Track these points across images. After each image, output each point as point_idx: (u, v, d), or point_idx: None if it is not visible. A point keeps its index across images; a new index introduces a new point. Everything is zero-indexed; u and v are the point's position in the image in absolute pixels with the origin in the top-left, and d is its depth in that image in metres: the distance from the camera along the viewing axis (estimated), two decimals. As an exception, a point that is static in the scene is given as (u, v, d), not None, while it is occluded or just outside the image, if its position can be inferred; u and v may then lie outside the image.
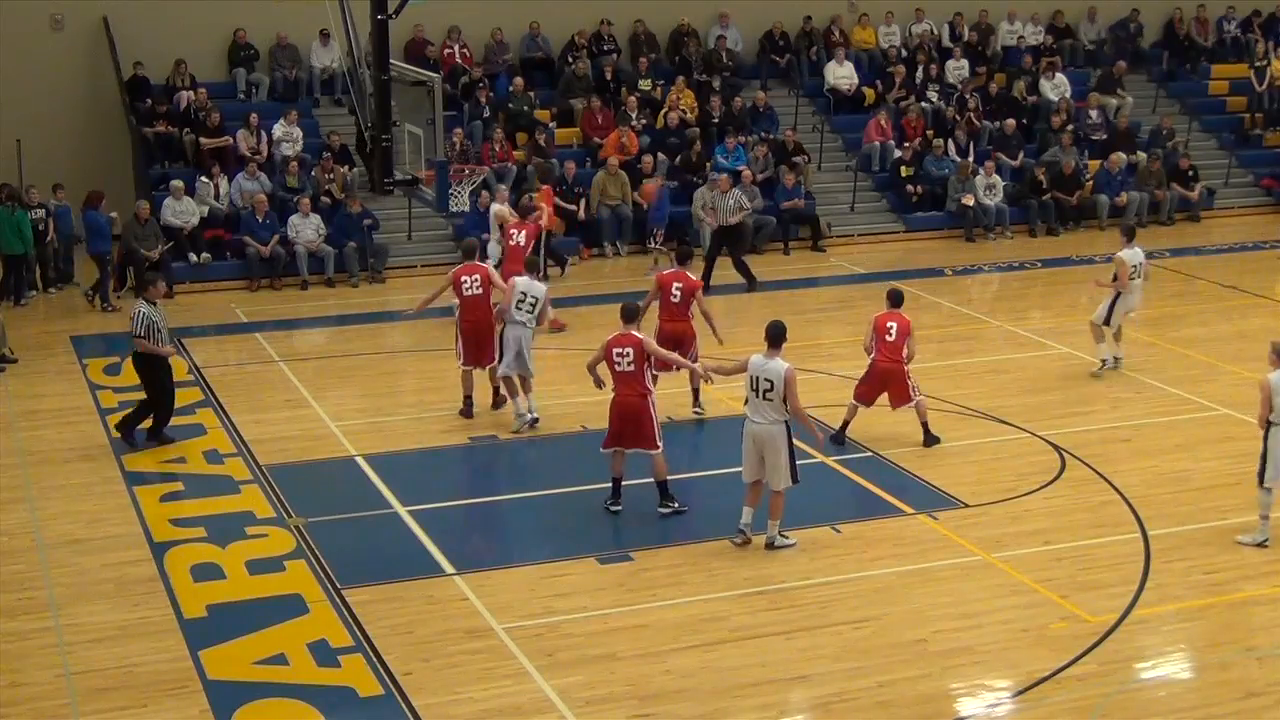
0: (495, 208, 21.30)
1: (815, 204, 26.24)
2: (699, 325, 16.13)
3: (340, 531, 13.63)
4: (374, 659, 11.14)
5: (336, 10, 18.23)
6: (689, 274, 16.23)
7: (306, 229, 23.20)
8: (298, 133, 25.01)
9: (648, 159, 25.40)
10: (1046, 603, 12.06)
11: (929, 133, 27.67)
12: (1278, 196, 28.94)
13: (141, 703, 10.55)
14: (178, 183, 23.21)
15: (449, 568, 12.76)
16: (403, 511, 14.01)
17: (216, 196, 23.75)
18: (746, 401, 13.02)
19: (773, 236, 25.21)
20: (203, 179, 23.78)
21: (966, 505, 14.10)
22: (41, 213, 22.28)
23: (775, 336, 12.89)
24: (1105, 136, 28.46)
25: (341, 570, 12.64)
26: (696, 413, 16.41)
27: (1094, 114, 28.78)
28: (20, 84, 24.97)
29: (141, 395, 15.91)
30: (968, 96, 28.18)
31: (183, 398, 17.16)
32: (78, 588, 12.43)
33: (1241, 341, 19.83)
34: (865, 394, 15.62)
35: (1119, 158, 27.57)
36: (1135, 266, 17.84)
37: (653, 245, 24.43)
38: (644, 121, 26.61)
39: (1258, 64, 30.50)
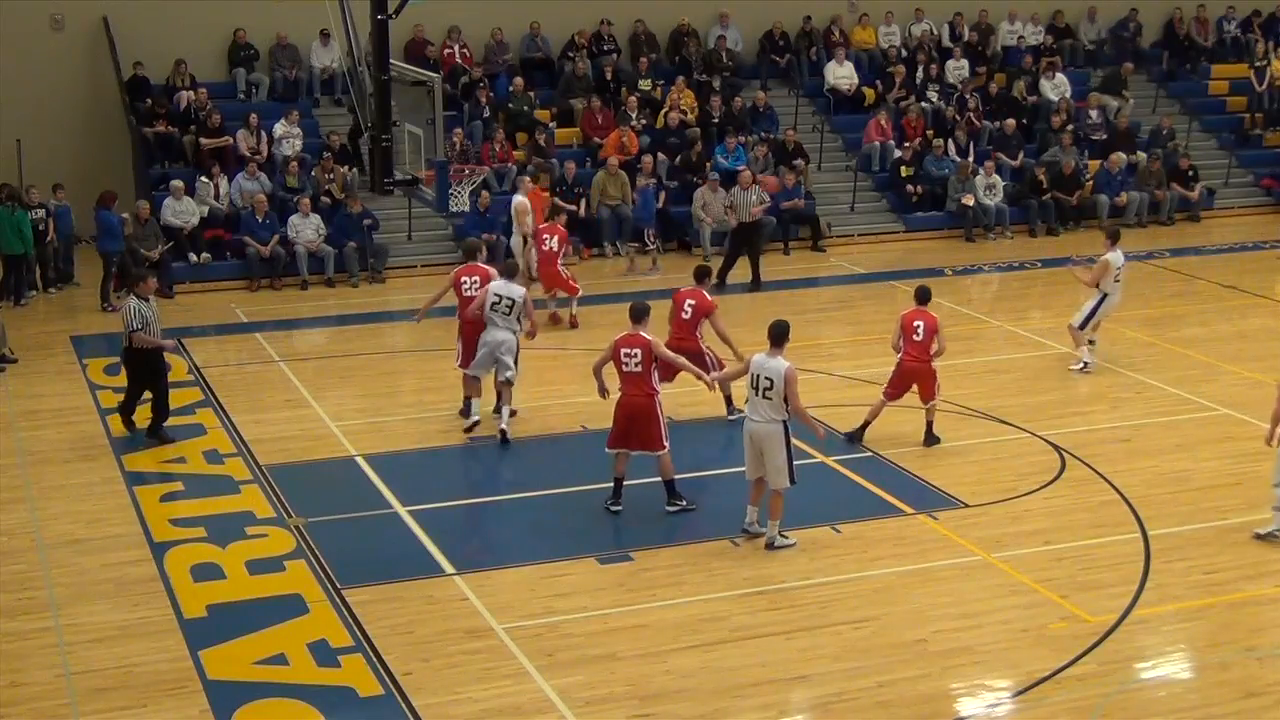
0: (517, 199, 21.23)
1: (815, 204, 26.25)
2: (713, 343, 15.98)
3: (340, 531, 13.62)
4: (374, 659, 11.14)
5: (336, 10, 18.22)
6: (705, 294, 15.92)
7: (306, 229, 23.20)
8: (298, 132, 25.03)
9: (648, 159, 25.40)
10: (1046, 603, 12.06)
11: (929, 133, 27.68)
12: (1278, 196, 28.94)
13: (141, 703, 10.55)
14: (178, 183, 23.21)
15: (449, 568, 12.76)
16: (403, 511, 14.01)
17: (216, 196, 23.76)
18: (747, 400, 13.03)
19: (773, 236, 25.19)
20: (203, 179, 23.79)
21: (966, 505, 14.10)
22: (41, 213, 22.29)
23: (778, 336, 12.95)
24: (1105, 136, 28.47)
25: (341, 570, 12.64)
26: (730, 419, 16.16)
27: (1094, 114, 28.79)
28: (20, 84, 24.98)
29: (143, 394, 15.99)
30: (968, 96, 28.19)
31: (183, 398, 17.19)
32: (78, 588, 12.43)
33: (1241, 341, 19.85)
34: (892, 393, 15.61)
35: (1119, 158, 27.58)
36: (1119, 269, 18.11)
37: (650, 245, 24.45)
38: (644, 121, 26.61)
39: (1258, 64, 30.51)
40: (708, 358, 15.54)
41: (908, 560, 12.91)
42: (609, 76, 27.41)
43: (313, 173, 24.35)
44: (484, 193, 23.54)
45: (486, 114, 26.04)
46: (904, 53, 29.46)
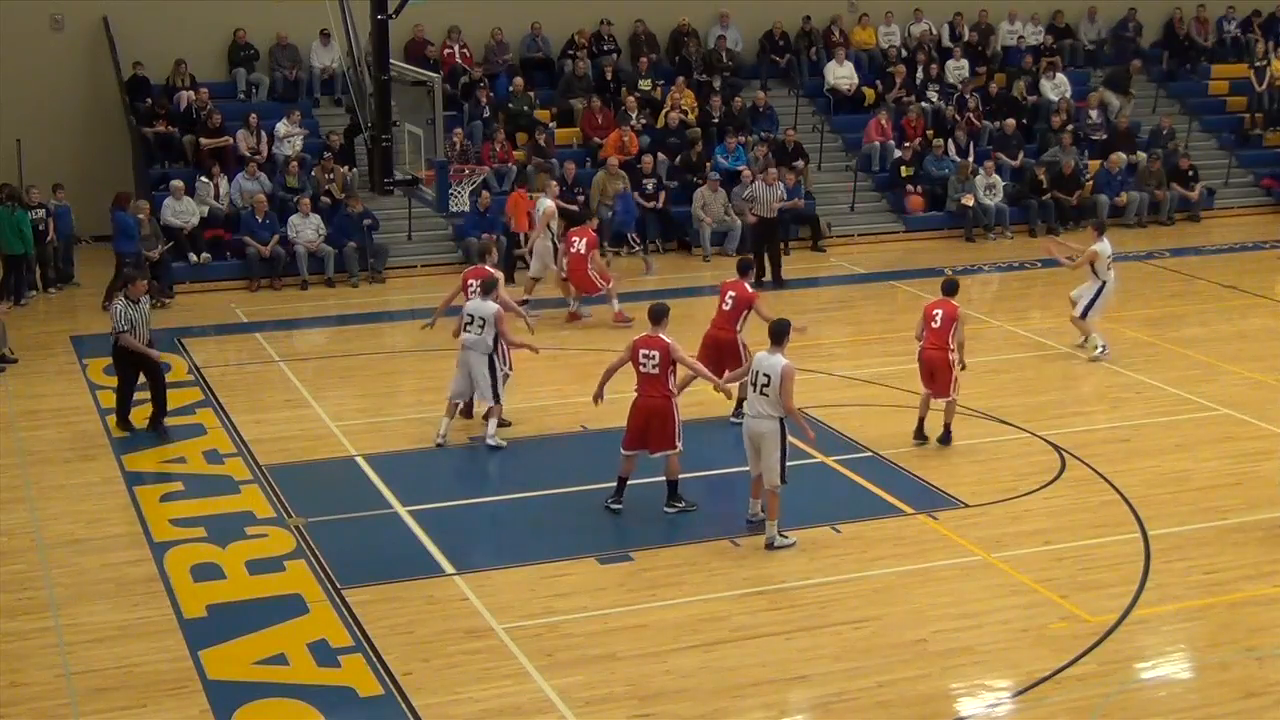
0: (545, 203, 21.25)
1: (815, 204, 26.24)
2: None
3: (340, 531, 13.62)
4: (374, 659, 11.14)
5: (336, 10, 18.25)
6: (746, 286, 16.02)
7: (306, 229, 23.20)
8: (305, 131, 25.08)
9: (648, 159, 25.41)
10: (1046, 603, 12.06)
11: (929, 133, 27.68)
12: (1278, 196, 28.94)
13: (141, 703, 10.55)
14: (178, 183, 23.20)
15: (449, 568, 12.76)
16: (403, 511, 14.01)
17: (216, 196, 23.75)
18: (746, 397, 13.06)
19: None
20: (203, 179, 23.78)
21: (966, 505, 14.10)
22: (41, 213, 22.29)
23: (778, 334, 13.06)
24: (1105, 136, 28.46)
25: (341, 570, 12.64)
26: (733, 420, 16.14)
27: (1094, 114, 28.79)
28: (20, 84, 24.98)
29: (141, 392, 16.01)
30: (968, 96, 28.19)
31: (183, 398, 17.21)
32: (78, 588, 12.43)
33: (1241, 341, 19.85)
34: (926, 383, 15.58)
35: (1119, 158, 27.58)
36: (1109, 257, 18.61)
37: (634, 248, 24.52)
38: (644, 121, 26.61)
39: (1258, 64, 30.51)
40: (743, 352, 15.54)
41: (908, 560, 12.91)
42: (609, 76, 27.41)
43: (313, 173, 24.35)
44: (484, 193, 23.55)
45: (486, 114, 26.04)
46: (904, 53, 29.46)
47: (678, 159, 26.06)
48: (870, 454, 15.40)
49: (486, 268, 16.54)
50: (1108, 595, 12.16)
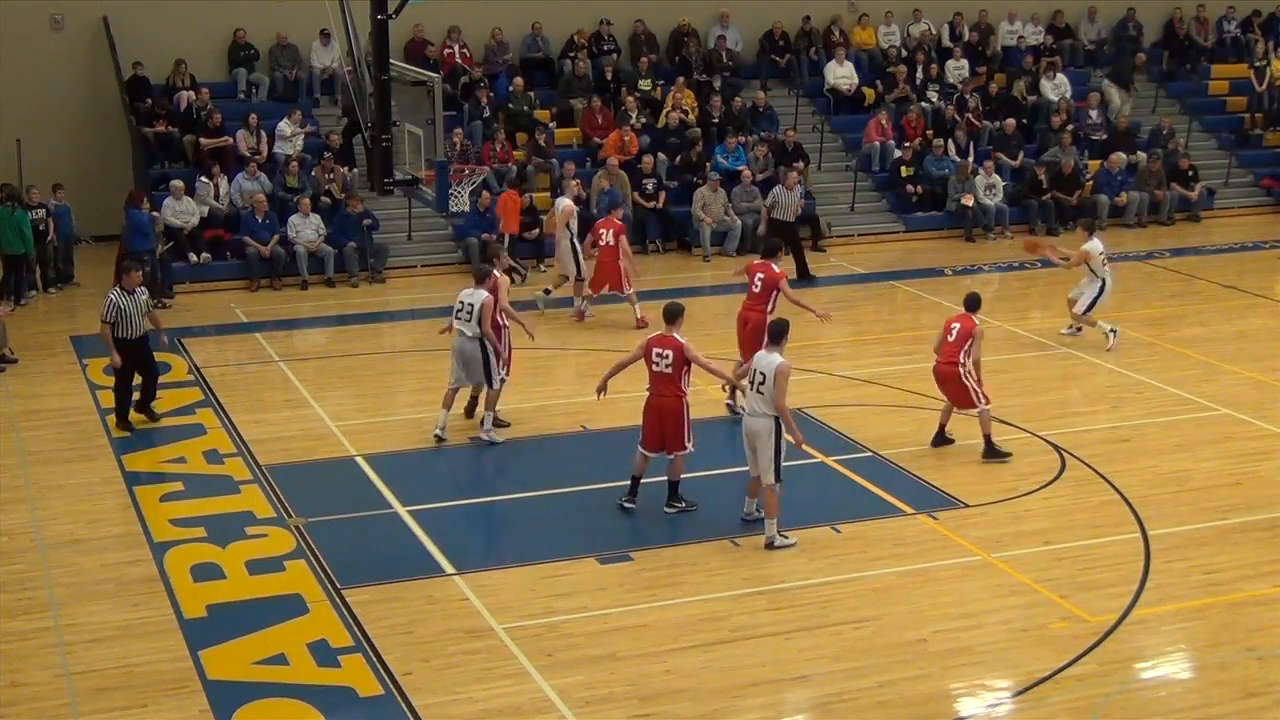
0: (563, 202, 21.20)
1: (815, 204, 26.24)
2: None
3: (340, 531, 13.62)
4: (374, 659, 11.14)
5: (336, 10, 18.21)
6: (774, 267, 16.25)
7: (306, 229, 23.20)
8: (310, 128, 25.13)
9: (648, 159, 25.41)
10: (1046, 603, 12.06)
11: (929, 133, 27.67)
12: (1278, 196, 28.94)
13: (141, 703, 10.55)
14: (178, 183, 23.20)
15: (449, 568, 12.76)
16: (403, 511, 14.01)
17: (216, 196, 23.75)
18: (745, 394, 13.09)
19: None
20: (203, 179, 23.79)
21: (966, 505, 14.10)
22: (41, 213, 22.30)
23: (777, 333, 13.15)
24: (1105, 136, 28.47)
25: (341, 570, 12.64)
26: (728, 405, 16.31)
27: (1094, 114, 28.80)
28: (20, 84, 24.99)
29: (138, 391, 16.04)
30: (968, 96, 28.19)
31: (183, 398, 17.22)
32: (78, 588, 12.43)
33: (1241, 341, 19.85)
34: (943, 393, 15.50)
35: (1119, 158, 27.58)
36: (1102, 254, 18.95)
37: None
38: (644, 121, 26.61)
39: (1258, 64, 30.51)
40: None
41: (908, 560, 12.91)
42: (609, 76, 27.41)
43: (313, 173, 24.36)
44: (484, 193, 23.54)
45: (486, 114, 26.04)
46: (904, 53, 29.46)
47: (678, 159, 26.05)
48: (870, 454, 15.40)
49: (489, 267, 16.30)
50: (1108, 595, 12.16)
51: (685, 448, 13.56)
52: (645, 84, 27.46)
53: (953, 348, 15.13)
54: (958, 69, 29.16)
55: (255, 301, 22.37)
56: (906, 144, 27.05)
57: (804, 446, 13.84)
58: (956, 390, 15.18)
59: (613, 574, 12.62)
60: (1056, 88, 29.20)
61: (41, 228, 22.22)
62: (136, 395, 16.34)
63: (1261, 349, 19.40)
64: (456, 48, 27.00)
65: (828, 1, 29.71)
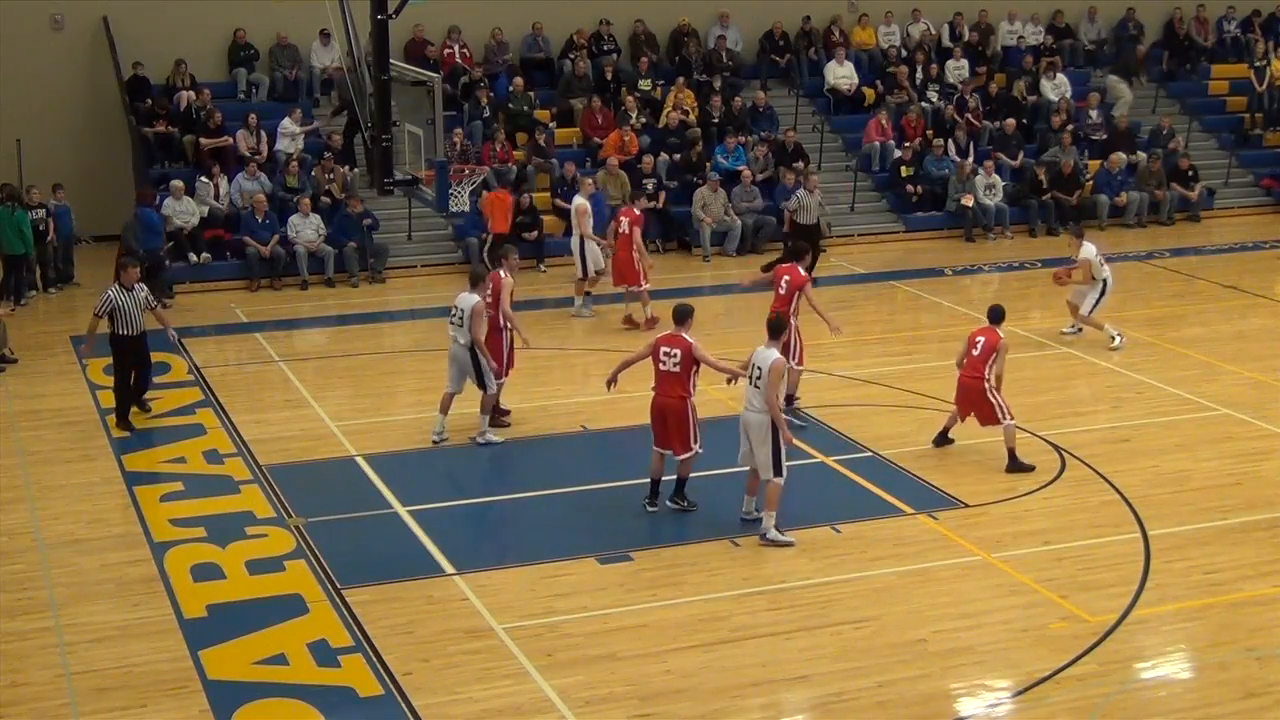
0: (578, 201, 21.18)
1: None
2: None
3: (340, 531, 13.62)
4: (374, 659, 11.14)
5: (336, 10, 18.22)
6: (799, 270, 16.25)
7: (306, 229, 23.20)
8: (312, 126, 25.16)
9: (648, 159, 25.41)
10: (1046, 603, 12.06)
11: (929, 133, 27.67)
12: (1278, 196, 28.94)
13: (141, 703, 10.55)
14: (178, 183, 23.21)
15: (449, 568, 12.76)
16: (403, 511, 14.01)
17: (216, 196, 23.76)
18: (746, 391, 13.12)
19: (773, 236, 25.18)
20: (203, 179, 23.79)
21: (966, 505, 14.09)
22: (41, 213, 22.30)
23: (775, 329, 13.25)
24: (1105, 136, 28.47)
25: (341, 570, 12.64)
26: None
27: (1094, 114, 28.80)
28: (20, 84, 25.00)
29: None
30: (968, 96, 28.19)
31: (183, 398, 17.22)
32: (78, 588, 12.43)
33: (1241, 341, 19.85)
34: (959, 411, 15.33)
35: (1119, 158, 27.58)
36: (1099, 257, 19.14)
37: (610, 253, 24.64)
38: (644, 121, 26.61)
39: (1258, 64, 30.51)
40: (794, 337, 15.62)
41: (908, 560, 12.90)
42: (609, 76, 27.41)
43: (313, 173, 24.36)
44: (484, 193, 23.54)
45: (486, 114, 26.04)
46: (904, 53, 29.46)
47: (678, 159, 26.05)
48: (870, 454, 15.40)
49: (498, 273, 16.23)
50: (1108, 595, 12.16)
51: (690, 449, 13.56)
52: (645, 84, 27.46)
53: (977, 361, 14.94)
54: (958, 69, 29.17)
55: (255, 301, 22.37)
56: (906, 144, 27.05)
57: (803, 446, 13.85)
58: (980, 405, 14.99)
59: (613, 574, 12.62)
60: (1056, 88, 29.20)
61: (41, 228, 22.22)
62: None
63: (1261, 349, 19.40)
64: (456, 48, 27.00)
65: (828, 1, 29.72)
